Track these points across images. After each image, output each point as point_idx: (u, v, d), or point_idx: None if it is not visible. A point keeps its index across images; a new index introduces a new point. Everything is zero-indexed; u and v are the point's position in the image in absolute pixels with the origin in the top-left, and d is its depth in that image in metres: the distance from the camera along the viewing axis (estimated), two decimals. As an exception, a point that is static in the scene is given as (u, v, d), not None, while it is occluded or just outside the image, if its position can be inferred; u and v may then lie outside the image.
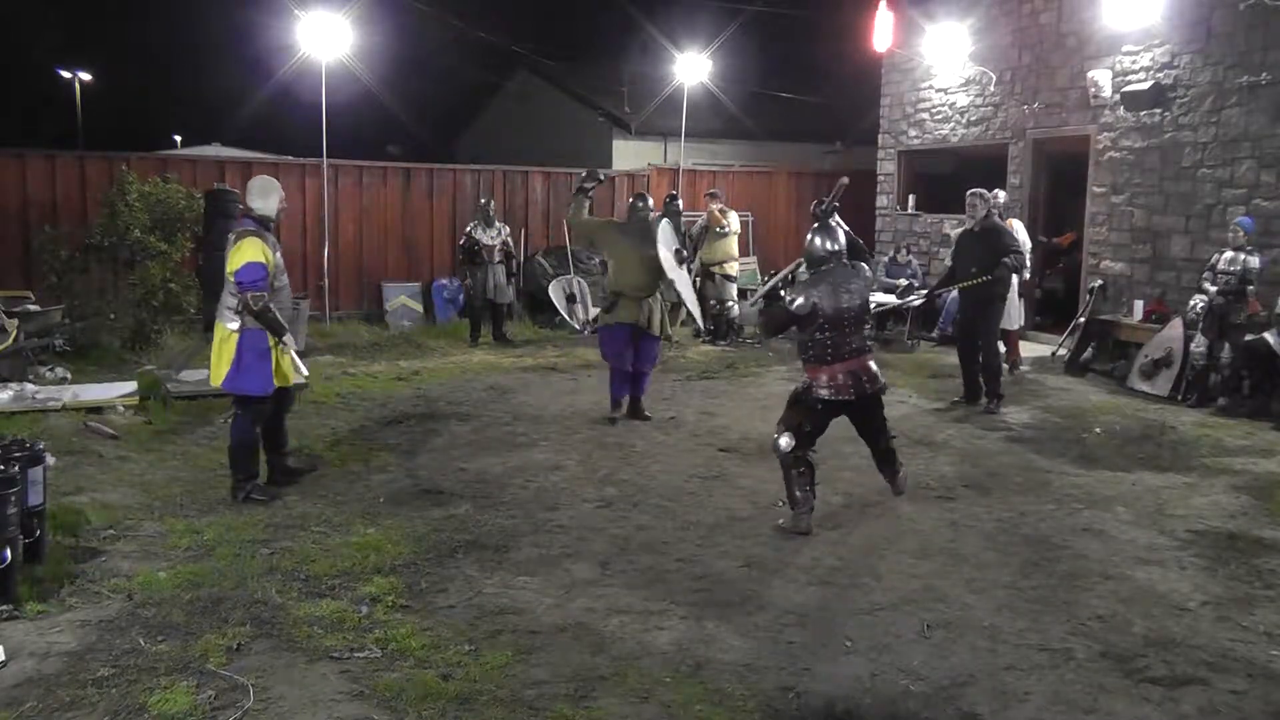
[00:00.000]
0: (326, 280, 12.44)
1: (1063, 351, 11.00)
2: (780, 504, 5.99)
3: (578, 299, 13.33)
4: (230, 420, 6.00)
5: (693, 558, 5.10)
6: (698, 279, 12.51)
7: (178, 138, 30.52)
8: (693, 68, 14.85)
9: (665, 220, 8.20)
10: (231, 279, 5.66)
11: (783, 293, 5.99)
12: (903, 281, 12.86)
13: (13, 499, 4.23)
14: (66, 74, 31.81)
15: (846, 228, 5.98)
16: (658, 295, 8.03)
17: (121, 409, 7.76)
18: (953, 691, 3.79)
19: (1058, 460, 7.12)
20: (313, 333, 11.55)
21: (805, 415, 5.58)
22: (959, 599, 4.64)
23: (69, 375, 8.78)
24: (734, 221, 12.33)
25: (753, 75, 18.61)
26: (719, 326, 12.21)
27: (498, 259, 11.93)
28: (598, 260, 13.96)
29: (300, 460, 6.50)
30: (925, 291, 9.47)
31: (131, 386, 8.18)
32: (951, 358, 10.04)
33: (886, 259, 13.71)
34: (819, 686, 3.81)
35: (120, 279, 10.27)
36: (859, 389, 5.56)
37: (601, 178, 8.56)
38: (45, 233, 10.30)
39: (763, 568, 4.98)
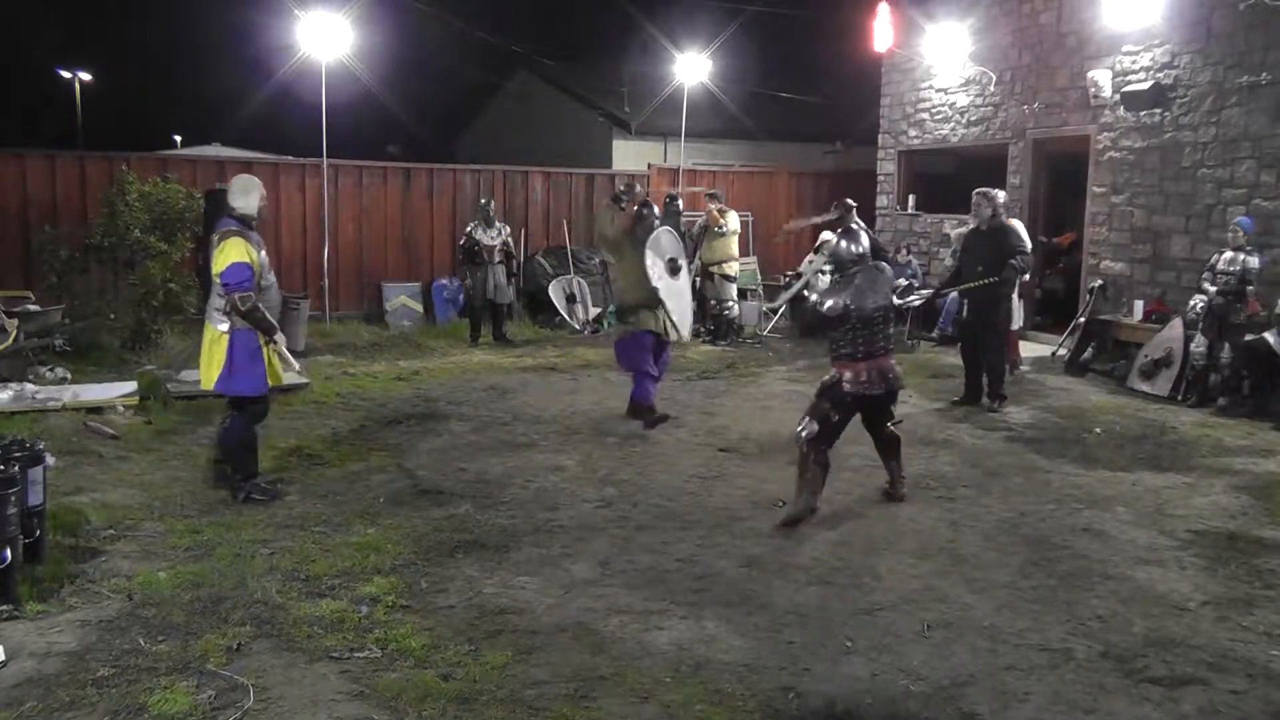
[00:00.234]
0: (326, 280, 12.44)
1: (1063, 351, 11.01)
2: (780, 504, 5.99)
3: (578, 299, 13.34)
4: (226, 423, 5.97)
5: (693, 558, 5.10)
6: (697, 279, 12.52)
7: (178, 138, 30.55)
8: (693, 68, 14.85)
9: (666, 228, 8.08)
10: (218, 280, 5.62)
11: (806, 293, 6.19)
12: (903, 281, 12.73)
13: (13, 499, 4.23)
14: (66, 74, 31.84)
15: (867, 229, 6.08)
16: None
17: (121, 409, 7.76)
18: (953, 691, 3.79)
19: (1058, 460, 7.12)
20: (313, 333, 11.56)
21: (834, 407, 5.80)
22: (959, 599, 4.64)
23: (69, 375, 8.78)
24: (733, 221, 12.32)
25: (753, 75, 18.61)
26: (719, 326, 12.21)
27: (498, 259, 11.93)
28: (597, 260, 13.99)
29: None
30: (928, 291, 9.47)
31: (131, 386, 8.18)
32: (951, 358, 10.06)
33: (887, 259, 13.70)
34: (819, 686, 3.81)
35: (120, 279, 10.27)
36: (887, 384, 5.84)
37: (639, 189, 8.51)
38: (45, 233, 10.30)
39: (763, 568, 4.98)
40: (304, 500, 5.89)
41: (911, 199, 14.54)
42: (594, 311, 13.25)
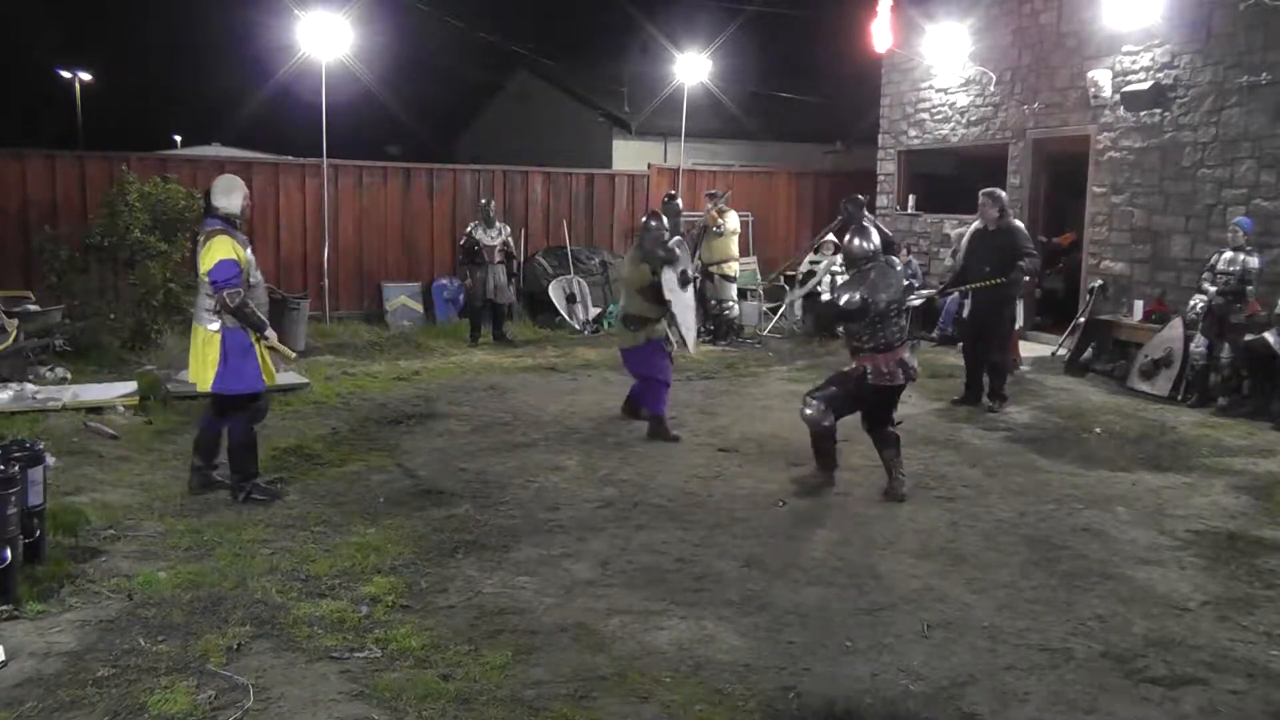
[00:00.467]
0: (326, 280, 12.43)
1: (1063, 351, 11.01)
2: (780, 504, 6.00)
3: (578, 299, 13.34)
4: (203, 425, 5.96)
5: (693, 558, 5.10)
6: (698, 278, 12.51)
7: (178, 138, 30.56)
8: (693, 68, 14.85)
9: (679, 238, 7.99)
10: (205, 279, 5.62)
11: (818, 289, 6.53)
12: (902, 282, 12.83)
13: (13, 499, 4.23)
14: (66, 74, 31.84)
15: (877, 223, 6.26)
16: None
17: (121, 409, 7.76)
18: (953, 691, 3.79)
19: (1058, 460, 7.12)
20: (313, 333, 11.56)
21: (849, 397, 6.13)
22: (959, 599, 4.64)
23: (69, 375, 8.78)
24: (733, 221, 12.32)
25: (753, 75, 18.61)
26: (719, 327, 12.21)
27: (498, 259, 11.93)
28: (597, 260, 14.00)
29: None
30: (930, 290, 9.49)
31: (131, 386, 8.18)
32: (952, 358, 10.07)
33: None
34: (819, 686, 3.81)
35: (120, 279, 10.26)
36: (905, 374, 6.09)
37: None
38: (45, 233, 10.30)
39: (763, 568, 4.98)
40: (304, 500, 5.89)
41: (911, 199, 14.54)
42: (594, 311, 13.25)
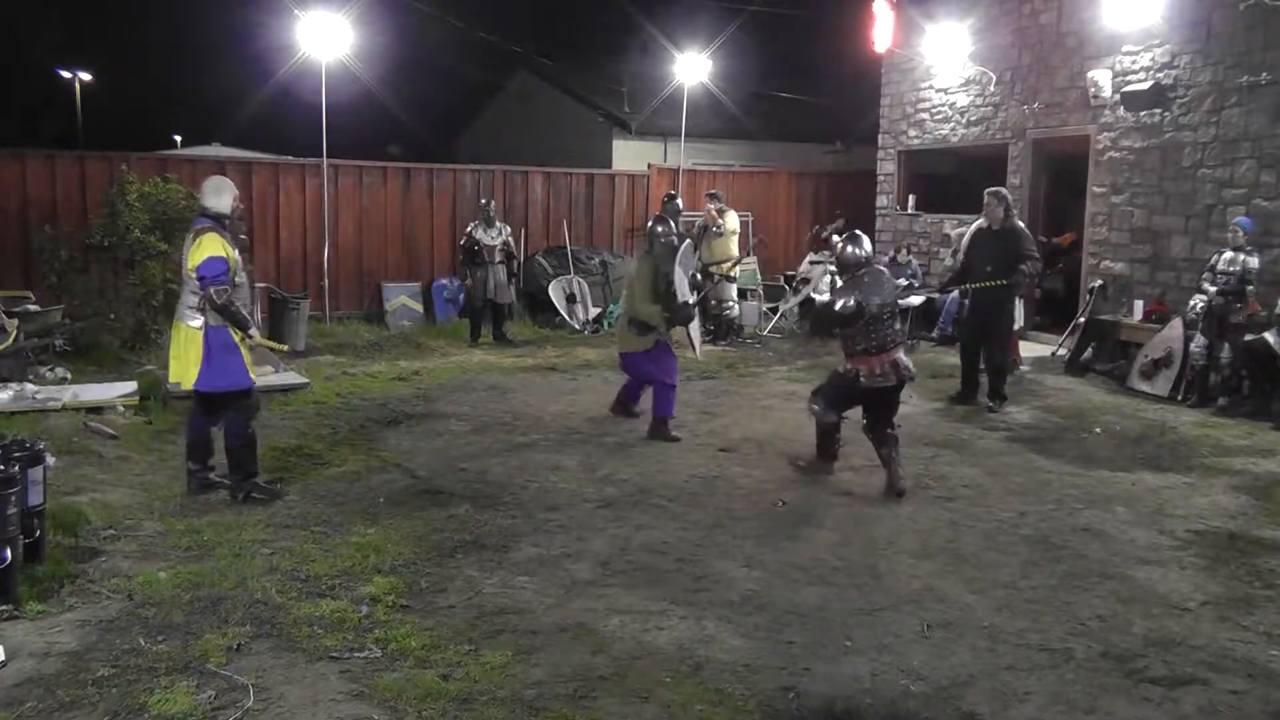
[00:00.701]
0: (326, 280, 12.44)
1: (1063, 351, 11.00)
2: (780, 504, 6.00)
3: (578, 299, 13.33)
4: (192, 423, 5.96)
5: (693, 558, 5.10)
6: (700, 278, 12.51)
7: (178, 138, 30.54)
8: (693, 68, 14.85)
9: (688, 243, 7.97)
10: (193, 275, 5.62)
11: (813, 294, 6.91)
12: (903, 281, 12.79)
13: (13, 499, 4.23)
14: (66, 74, 31.82)
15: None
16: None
17: (121, 409, 7.76)
18: (953, 691, 3.79)
19: (1058, 460, 7.12)
20: (313, 333, 11.56)
21: (845, 396, 6.40)
22: (959, 599, 4.64)
23: (69, 375, 8.78)
24: (732, 221, 12.32)
25: (753, 75, 18.60)
26: (719, 327, 12.21)
27: (498, 259, 11.93)
28: (597, 260, 14.00)
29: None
30: (930, 289, 9.50)
31: (131, 386, 8.17)
32: (952, 358, 10.05)
33: (886, 259, 13.69)
34: (819, 686, 3.81)
35: (120, 279, 10.26)
36: (899, 375, 6.28)
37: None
38: (45, 233, 10.29)
39: (763, 568, 4.98)
40: (304, 500, 5.89)
41: (911, 199, 14.54)
42: (594, 311, 13.25)
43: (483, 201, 12.34)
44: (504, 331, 12.11)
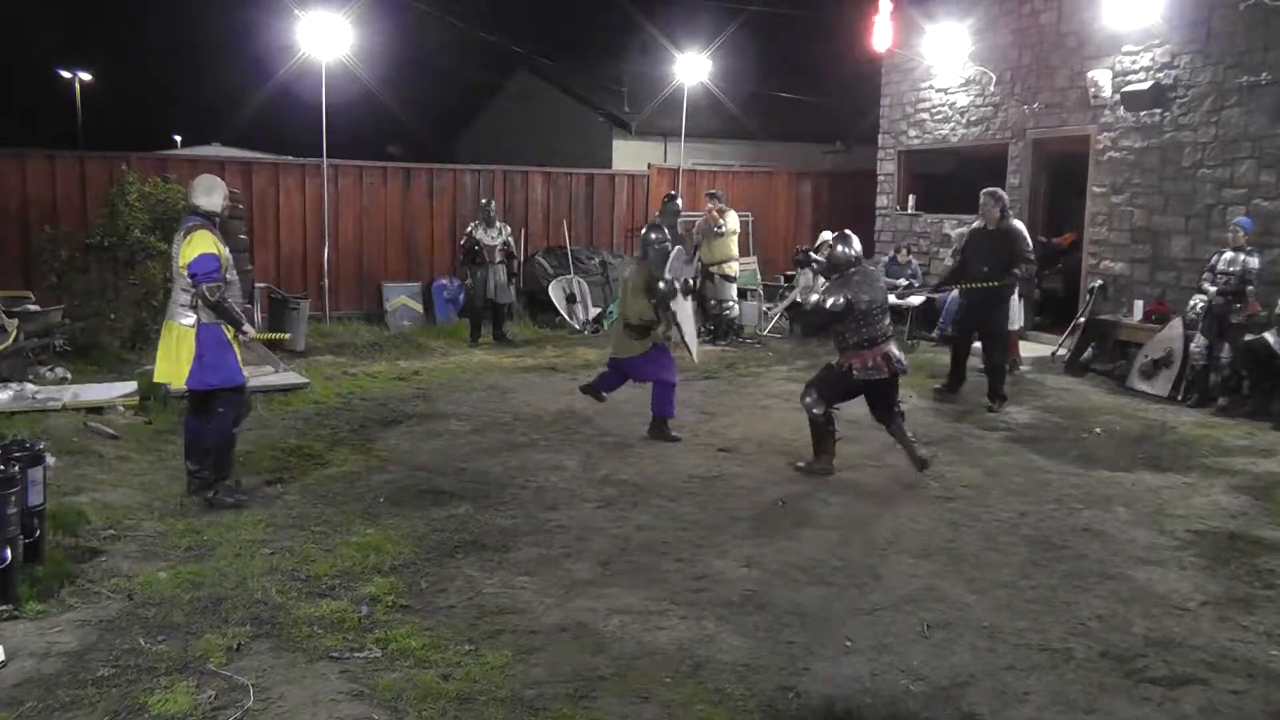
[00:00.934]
0: (326, 280, 12.44)
1: (1063, 351, 11.00)
2: (780, 504, 6.00)
3: (578, 299, 13.34)
4: (189, 424, 5.92)
5: (693, 558, 5.10)
6: (698, 278, 12.51)
7: (178, 138, 30.56)
8: (693, 68, 14.85)
9: (679, 248, 8.01)
10: (185, 273, 5.61)
11: (798, 298, 7.08)
12: (903, 281, 12.86)
13: (13, 499, 4.23)
14: (66, 74, 31.83)
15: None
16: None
17: (121, 409, 7.76)
18: (953, 691, 3.79)
19: (1058, 460, 7.12)
20: (313, 333, 11.55)
21: (839, 390, 6.59)
22: (959, 599, 4.64)
23: (69, 375, 8.78)
24: (733, 221, 12.31)
25: (753, 75, 18.60)
26: (719, 327, 12.21)
27: (499, 259, 11.93)
28: (597, 260, 14.00)
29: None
30: (924, 288, 9.53)
31: (131, 386, 8.17)
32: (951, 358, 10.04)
33: (886, 259, 13.71)
34: (819, 686, 3.81)
35: (120, 279, 10.27)
36: (891, 368, 6.45)
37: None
38: (45, 233, 10.30)
39: (763, 568, 4.98)
40: (304, 500, 5.89)
41: (911, 199, 14.54)
42: (594, 311, 13.25)
43: (483, 201, 12.35)
44: (504, 331, 12.12)
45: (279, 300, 11.33)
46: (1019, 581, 4.87)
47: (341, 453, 6.94)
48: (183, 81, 41.20)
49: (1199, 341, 8.92)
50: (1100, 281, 11.19)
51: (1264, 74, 9.50)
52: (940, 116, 13.85)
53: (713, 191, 12.93)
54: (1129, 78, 10.87)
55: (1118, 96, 10.98)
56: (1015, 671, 3.96)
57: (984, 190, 8.80)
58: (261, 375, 8.69)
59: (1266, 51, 9.50)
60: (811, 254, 7.87)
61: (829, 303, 6.41)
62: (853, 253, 6.57)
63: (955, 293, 9.56)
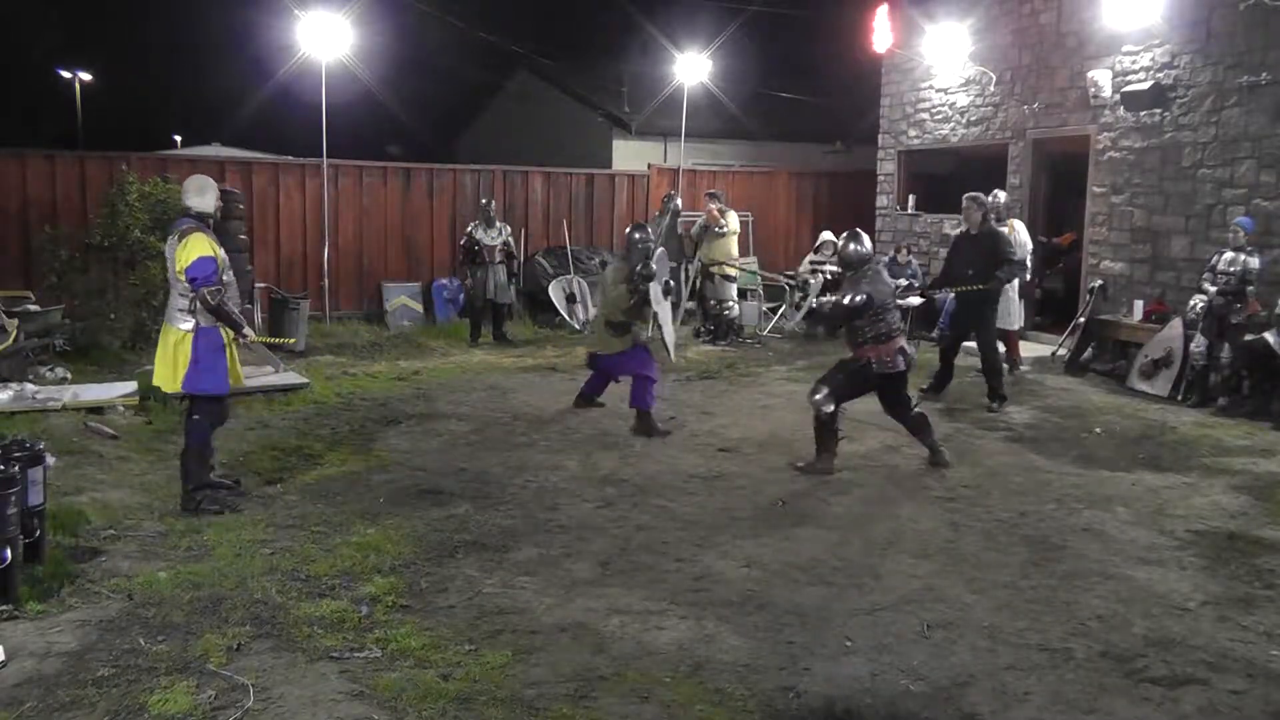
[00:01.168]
0: (326, 280, 12.44)
1: (1063, 351, 11.00)
2: (780, 504, 6.00)
3: (578, 299, 13.34)
4: (189, 428, 5.86)
5: (693, 558, 5.10)
6: (698, 279, 12.52)
7: (178, 138, 30.57)
8: (693, 68, 14.84)
9: (661, 250, 8.12)
10: (182, 277, 5.51)
11: (812, 301, 7.20)
12: (902, 282, 12.81)
13: (13, 499, 4.23)
14: (66, 74, 31.83)
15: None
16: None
17: (121, 409, 7.76)
18: (953, 691, 3.79)
19: (1058, 460, 7.12)
20: (313, 333, 11.55)
21: (856, 385, 6.68)
22: (959, 599, 4.64)
23: (69, 375, 8.78)
24: (733, 221, 12.32)
25: (753, 75, 18.59)
26: (719, 326, 12.21)
27: (499, 259, 11.94)
28: (597, 260, 13.99)
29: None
30: (915, 290, 9.59)
31: (131, 386, 8.17)
32: (952, 358, 10.04)
33: (886, 259, 13.69)
34: (819, 686, 3.81)
35: (120, 279, 10.26)
36: (905, 361, 6.64)
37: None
38: (45, 233, 10.30)
39: (763, 568, 4.98)
40: (304, 500, 5.89)
41: (911, 199, 14.54)
42: (594, 311, 13.24)
43: (483, 202, 12.35)
44: (504, 331, 12.12)
45: (279, 300, 11.33)
46: (1019, 581, 4.87)
47: (341, 453, 6.95)
48: (183, 81, 41.29)
49: (1199, 341, 8.91)
50: (1100, 281, 11.19)
51: (1264, 74, 9.50)
52: (940, 116, 13.85)
53: (713, 191, 12.94)
54: (1129, 78, 10.87)
55: (1118, 96, 10.97)
56: (1015, 671, 3.96)
57: (966, 195, 8.87)
58: (262, 375, 8.72)
59: (1266, 51, 9.49)
60: (824, 265, 8.15)
61: (849, 299, 6.55)
62: (865, 250, 6.75)
63: (953, 294, 9.57)
